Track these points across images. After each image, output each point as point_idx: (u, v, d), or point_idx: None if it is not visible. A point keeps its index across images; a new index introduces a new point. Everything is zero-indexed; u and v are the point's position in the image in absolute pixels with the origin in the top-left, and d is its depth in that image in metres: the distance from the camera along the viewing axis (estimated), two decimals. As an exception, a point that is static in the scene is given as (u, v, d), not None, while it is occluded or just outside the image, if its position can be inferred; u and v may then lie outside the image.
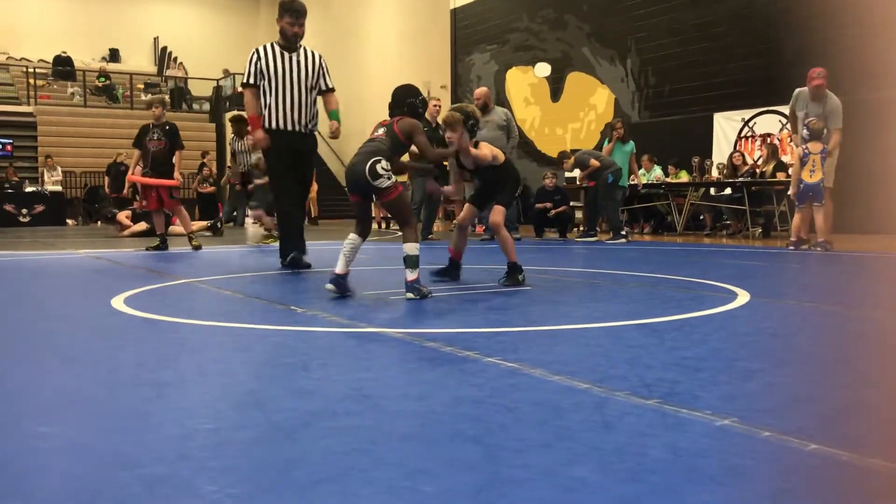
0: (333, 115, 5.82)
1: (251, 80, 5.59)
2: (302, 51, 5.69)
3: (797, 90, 8.14)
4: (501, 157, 4.77)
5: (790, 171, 8.47)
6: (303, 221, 6.15)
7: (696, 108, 13.15)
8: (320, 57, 5.81)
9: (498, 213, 4.74)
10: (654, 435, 1.67)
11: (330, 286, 4.04)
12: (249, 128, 5.87)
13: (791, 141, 8.73)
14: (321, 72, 5.76)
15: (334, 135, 5.73)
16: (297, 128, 5.64)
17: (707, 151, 12.77)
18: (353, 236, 4.17)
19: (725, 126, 12.76)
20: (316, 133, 5.90)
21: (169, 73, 25.45)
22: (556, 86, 16.24)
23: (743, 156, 11.57)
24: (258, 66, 5.57)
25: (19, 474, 1.48)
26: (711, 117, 12.91)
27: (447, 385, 2.15)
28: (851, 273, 5.86)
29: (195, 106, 23.75)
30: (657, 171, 12.55)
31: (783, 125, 11.38)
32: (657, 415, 1.83)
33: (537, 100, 16.83)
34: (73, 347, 2.84)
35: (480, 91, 9.90)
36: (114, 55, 26.63)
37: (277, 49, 5.61)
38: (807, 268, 6.17)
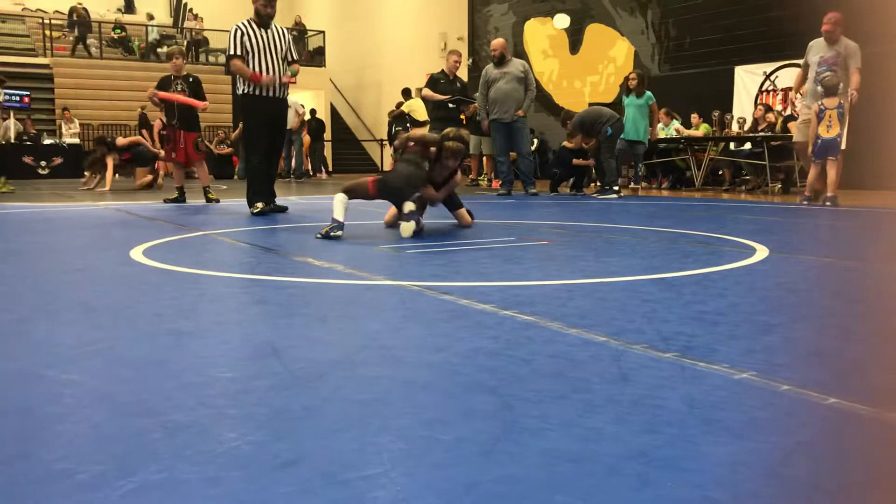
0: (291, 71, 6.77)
1: (238, 52, 6.40)
2: (273, 26, 6.56)
3: (811, 42, 8.02)
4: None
5: (797, 122, 8.34)
6: (274, 175, 6.92)
7: (717, 62, 12.93)
8: (288, 31, 6.84)
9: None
10: (671, 387, 1.67)
11: (330, 232, 4.60)
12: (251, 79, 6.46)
13: (794, 92, 8.62)
14: (289, 45, 6.68)
15: (292, 79, 6.65)
16: (274, 94, 6.49)
17: (728, 105, 12.58)
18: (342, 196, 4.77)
19: (747, 80, 12.54)
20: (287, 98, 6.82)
21: (186, 24, 25.26)
22: (574, 38, 15.99)
23: (767, 108, 11.37)
24: (242, 39, 6.39)
25: (43, 421, 1.50)
26: (732, 71, 12.69)
27: (464, 337, 2.15)
28: (869, 228, 5.79)
29: (210, 58, 23.60)
30: (676, 125, 12.38)
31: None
32: (675, 368, 1.82)
33: (556, 52, 16.59)
34: (93, 298, 2.87)
35: (497, 42, 9.77)
36: (129, 6, 26.43)
37: (254, 25, 6.46)
38: (825, 223, 6.11)
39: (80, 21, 21.92)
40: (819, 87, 7.67)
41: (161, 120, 16.06)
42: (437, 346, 2.07)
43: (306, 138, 17.13)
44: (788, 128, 9.99)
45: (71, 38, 21.97)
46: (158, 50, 22.77)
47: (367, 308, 2.65)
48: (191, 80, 8.24)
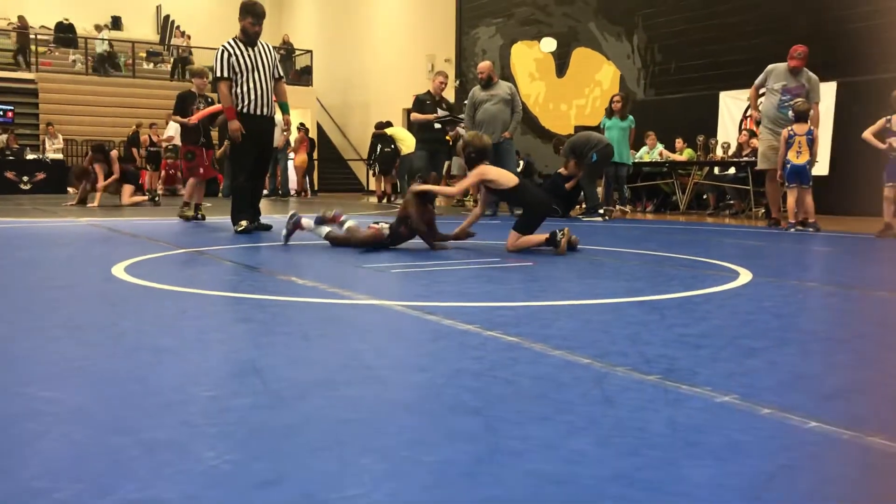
0: (284, 107, 6.77)
1: (225, 74, 6.33)
2: (260, 44, 6.51)
3: (770, 66, 8.16)
4: (508, 181, 5.25)
5: (761, 150, 8.43)
6: (259, 194, 6.90)
7: (702, 87, 13.05)
8: (274, 48, 6.75)
9: (511, 237, 5.17)
10: (654, 410, 1.67)
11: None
12: (226, 117, 6.50)
13: (753, 109, 8.77)
14: (276, 62, 6.63)
15: (286, 128, 6.81)
16: (262, 112, 6.46)
17: (712, 130, 12.69)
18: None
19: (731, 105, 12.67)
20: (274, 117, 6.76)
21: (173, 41, 25.26)
22: (561, 61, 16.11)
23: (751, 133, 11.48)
24: (230, 61, 6.32)
25: (21, 437, 1.48)
26: (717, 96, 12.81)
27: (447, 358, 2.14)
28: (852, 254, 5.84)
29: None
30: (660, 148, 12.47)
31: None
32: (657, 390, 1.83)
33: (542, 75, 16.71)
34: (76, 315, 2.84)
35: (484, 64, 9.82)
36: (116, 23, 26.41)
37: (241, 45, 6.41)
38: (809, 248, 6.16)
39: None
40: (790, 114, 7.77)
41: (149, 137, 16.11)
42: (421, 367, 2.07)
43: (301, 156, 17.07)
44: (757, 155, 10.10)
45: (57, 54, 21.91)
46: (145, 66, 22.68)
47: (350, 327, 2.64)
48: (209, 99, 8.42)
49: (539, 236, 5.05)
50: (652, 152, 12.47)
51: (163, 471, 1.30)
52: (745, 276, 3.97)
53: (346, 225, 5.20)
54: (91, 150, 11.78)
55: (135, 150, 16.71)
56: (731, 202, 11.54)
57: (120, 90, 21.13)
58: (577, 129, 11.11)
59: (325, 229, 5.22)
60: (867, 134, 7.26)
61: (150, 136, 16.20)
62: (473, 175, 5.27)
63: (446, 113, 9.81)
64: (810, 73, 7.96)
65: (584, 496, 1.22)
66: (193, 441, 1.45)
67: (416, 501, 1.20)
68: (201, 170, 8.35)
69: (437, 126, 9.66)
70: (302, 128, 17.24)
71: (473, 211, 5.89)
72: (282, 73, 6.76)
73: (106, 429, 1.52)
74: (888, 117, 7.12)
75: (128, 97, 20.80)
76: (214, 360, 2.16)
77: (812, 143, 7.64)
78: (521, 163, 13.26)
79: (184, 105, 8.18)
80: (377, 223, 5.11)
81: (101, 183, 11.01)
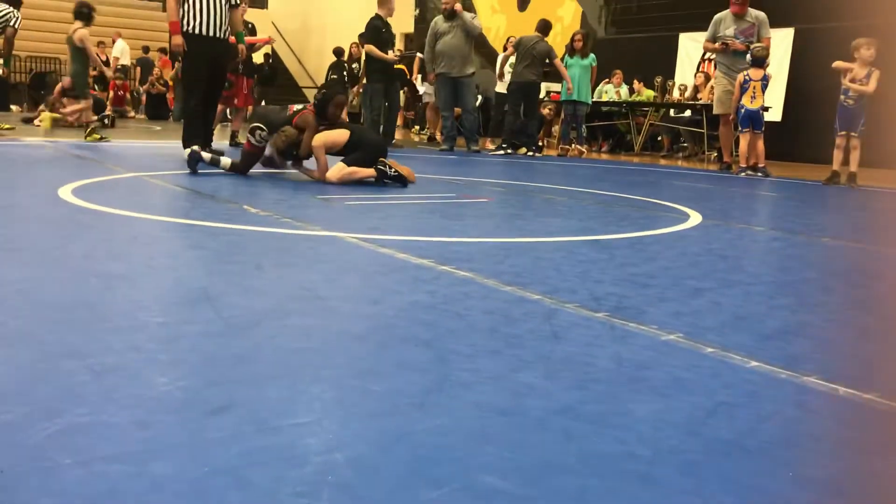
0: (240, 37, 6.72)
1: None
2: None
3: (716, 16, 8.33)
4: (342, 137, 5.06)
5: (717, 94, 8.54)
6: (212, 118, 6.84)
7: (663, 27, 13.01)
8: None
9: (335, 167, 5.04)
10: (600, 346, 1.71)
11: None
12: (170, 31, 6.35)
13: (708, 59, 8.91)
14: None
15: (242, 58, 6.90)
16: (215, 33, 6.26)
17: (671, 72, 12.71)
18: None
19: (690, 47, 12.65)
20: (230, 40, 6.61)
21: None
22: (523, -5, 15.88)
23: (707, 76, 11.52)
24: None
25: (-37, 359, 1.45)
26: (677, 37, 12.79)
27: (400, 290, 2.16)
28: (800, 199, 5.97)
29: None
30: (625, 88, 12.47)
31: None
32: (605, 327, 1.87)
33: (504, 8, 16.47)
34: (18, 238, 2.78)
35: (449, -4, 9.63)
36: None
37: None
38: (758, 193, 6.27)
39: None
40: (748, 57, 7.84)
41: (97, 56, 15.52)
42: (373, 299, 2.08)
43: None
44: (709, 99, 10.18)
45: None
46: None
47: (303, 258, 2.63)
48: (249, 25, 8.25)
49: (367, 170, 5.00)
50: (619, 90, 12.45)
51: (112, 395, 1.30)
52: (694, 219, 4.04)
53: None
54: (63, 91, 11.41)
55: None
56: (685, 145, 11.65)
57: (68, 5, 20.27)
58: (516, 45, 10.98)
59: (226, 160, 5.29)
60: (837, 63, 7.25)
61: (97, 55, 15.63)
62: (316, 150, 5.03)
63: (407, 52, 9.65)
64: (756, 11, 8.11)
65: (531, 427, 1.26)
66: (144, 367, 1.45)
67: (365, 429, 1.22)
68: (235, 100, 8.26)
69: (397, 58, 9.53)
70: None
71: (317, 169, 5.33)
72: (238, 1, 6.57)
73: (53, 353, 1.50)
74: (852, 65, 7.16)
75: (70, 11, 19.98)
76: (165, 286, 2.14)
77: (765, 88, 7.71)
78: (480, 98, 13.17)
79: None
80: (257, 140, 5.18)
81: (68, 109, 10.75)
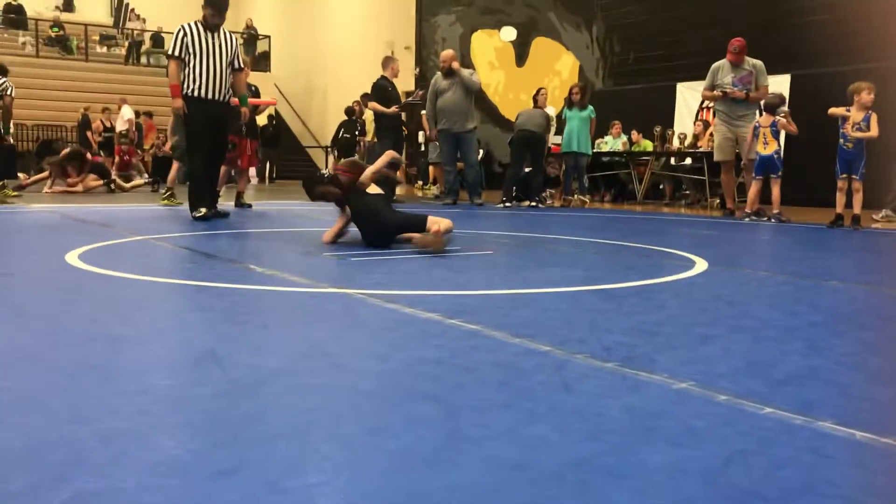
0: (243, 100, 6.87)
1: (177, 53, 6.32)
2: (221, 31, 6.53)
3: (713, 65, 8.53)
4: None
5: (717, 141, 8.66)
6: (216, 179, 6.94)
7: (660, 78, 13.18)
8: (235, 38, 6.77)
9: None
10: (612, 396, 1.69)
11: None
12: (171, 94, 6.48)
13: (706, 107, 9.06)
14: (235, 52, 6.63)
15: (245, 120, 7.11)
16: (216, 97, 6.43)
17: (669, 121, 12.83)
18: None
19: (688, 96, 12.80)
20: (233, 103, 6.78)
21: (128, 25, 24.76)
22: (521, 50, 16.14)
23: (706, 124, 11.63)
24: (184, 41, 6.31)
25: (-29, 427, 1.44)
26: (675, 87, 12.95)
27: (408, 346, 2.15)
28: (805, 243, 5.97)
29: (152, 59, 23.16)
30: (624, 138, 12.60)
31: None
32: (616, 377, 1.85)
33: (502, 64, 16.73)
34: (27, 303, 2.78)
35: (447, 54, 9.80)
36: (68, 4, 25.81)
37: (201, 27, 6.41)
38: (762, 238, 6.28)
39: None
40: (762, 104, 8.02)
41: (101, 122, 15.76)
42: (381, 355, 2.07)
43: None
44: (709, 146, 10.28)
45: (6, 35, 21.34)
46: (97, 50, 22.19)
47: (310, 315, 2.62)
48: (253, 88, 8.37)
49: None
50: (616, 142, 12.57)
51: (121, 460, 1.28)
52: (700, 265, 4.04)
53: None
54: (69, 155, 11.57)
55: (89, 134, 16.32)
56: (687, 192, 11.70)
57: (72, 73, 20.67)
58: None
59: None
60: (833, 109, 7.32)
61: (101, 121, 15.88)
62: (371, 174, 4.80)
63: (411, 99, 9.85)
64: (753, 60, 8.31)
65: (545, 481, 1.24)
66: (152, 430, 1.43)
67: (376, 488, 1.20)
68: (240, 161, 8.36)
69: (400, 110, 9.69)
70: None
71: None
72: (242, 65, 6.73)
73: (61, 419, 1.49)
74: (848, 108, 7.22)
75: (80, 81, 20.36)
76: (172, 348, 2.14)
77: (777, 134, 7.77)
78: (482, 152, 13.30)
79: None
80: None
81: (73, 179, 10.93)
